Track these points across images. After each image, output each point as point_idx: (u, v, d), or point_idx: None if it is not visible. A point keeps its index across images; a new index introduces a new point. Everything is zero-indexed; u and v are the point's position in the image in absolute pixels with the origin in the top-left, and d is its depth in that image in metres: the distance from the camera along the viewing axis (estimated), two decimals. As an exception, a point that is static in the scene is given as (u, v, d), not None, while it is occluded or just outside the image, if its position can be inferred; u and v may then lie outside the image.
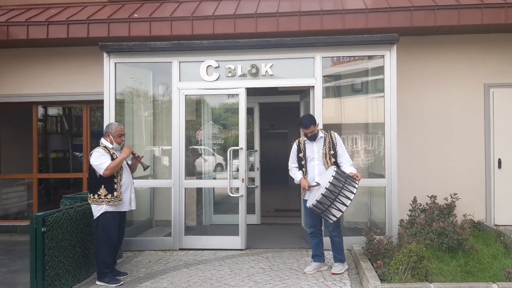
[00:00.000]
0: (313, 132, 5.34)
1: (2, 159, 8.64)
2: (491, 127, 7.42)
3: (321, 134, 5.42)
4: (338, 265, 5.39)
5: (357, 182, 5.03)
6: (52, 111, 10.83)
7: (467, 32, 7.36)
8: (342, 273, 5.29)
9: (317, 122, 5.43)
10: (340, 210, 4.94)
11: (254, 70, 6.51)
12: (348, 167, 5.22)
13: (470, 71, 7.48)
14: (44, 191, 9.61)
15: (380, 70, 6.63)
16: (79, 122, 10.66)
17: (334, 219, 5.04)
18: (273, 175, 12.81)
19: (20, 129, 9.03)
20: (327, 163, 5.29)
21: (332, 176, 4.91)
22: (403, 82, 7.16)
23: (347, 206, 4.92)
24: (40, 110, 9.73)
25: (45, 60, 8.11)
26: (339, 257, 5.41)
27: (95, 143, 8.27)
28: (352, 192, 4.93)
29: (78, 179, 9.12)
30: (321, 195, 4.89)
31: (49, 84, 8.09)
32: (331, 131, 5.40)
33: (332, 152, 5.30)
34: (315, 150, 5.37)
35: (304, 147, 5.44)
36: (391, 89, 6.32)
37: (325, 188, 4.88)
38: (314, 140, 5.39)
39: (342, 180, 4.93)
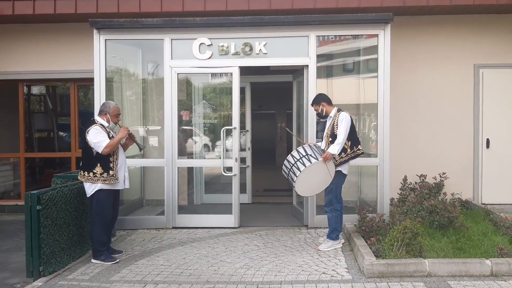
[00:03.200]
0: (316, 110, 5.57)
1: (-13, 138, 8.46)
2: (480, 108, 7.53)
3: (332, 114, 5.44)
4: (326, 242, 5.49)
5: (305, 165, 5.09)
6: (36, 90, 10.59)
7: (459, 13, 7.40)
8: (329, 250, 5.36)
9: (322, 103, 5.48)
10: (292, 183, 5.26)
11: (247, 49, 6.45)
12: (331, 146, 5.25)
13: (461, 52, 7.55)
14: (29, 171, 9.46)
15: (373, 50, 6.64)
16: (63, 101, 10.46)
17: (295, 188, 5.26)
18: (262, 155, 12.83)
19: (5, 108, 8.83)
20: (327, 143, 5.34)
21: (290, 153, 5.34)
22: (395, 62, 7.18)
23: (294, 180, 5.15)
24: (24, 88, 9.53)
25: (32, 37, 7.90)
26: (329, 234, 5.49)
27: (82, 122, 8.17)
28: (294, 174, 5.16)
29: (63, 158, 9.02)
30: (283, 165, 5.40)
31: (36, 61, 7.90)
32: (342, 112, 5.36)
33: (332, 132, 5.33)
34: (325, 129, 5.49)
35: (322, 124, 5.64)
36: (384, 69, 6.34)
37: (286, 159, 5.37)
38: (324, 119, 5.56)
39: (296, 158, 5.22)
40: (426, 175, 7.22)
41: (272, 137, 15.76)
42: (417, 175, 7.29)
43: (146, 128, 7.90)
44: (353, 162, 5.61)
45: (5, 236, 6.51)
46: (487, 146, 7.52)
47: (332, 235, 5.45)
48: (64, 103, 10.18)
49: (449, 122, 7.57)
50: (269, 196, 9.27)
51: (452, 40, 7.54)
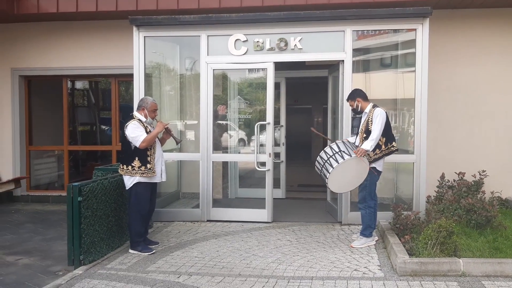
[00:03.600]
0: (351, 106, 5.56)
1: (33, 131, 8.86)
2: (523, 103, 7.27)
3: (367, 110, 5.41)
4: (359, 239, 5.46)
5: (338, 162, 5.10)
6: (80, 84, 10.99)
7: (501, 6, 7.15)
8: (363, 247, 5.34)
9: (357, 99, 5.44)
10: (325, 179, 5.27)
11: (282, 44, 6.47)
12: (365, 142, 5.20)
13: (502, 46, 7.30)
14: (72, 163, 9.86)
15: (410, 44, 6.52)
16: (105, 95, 10.82)
17: (328, 185, 5.28)
18: (297, 150, 12.82)
19: (50, 102, 9.22)
20: (362, 139, 5.31)
21: (324, 149, 5.36)
22: (433, 57, 7.01)
23: (327, 176, 5.18)
24: (68, 83, 9.90)
25: (75, 33, 8.21)
26: (362, 230, 5.47)
27: (123, 117, 8.42)
28: (327, 170, 5.18)
29: (105, 151, 9.33)
30: (316, 161, 5.43)
31: (78, 57, 8.22)
32: (377, 108, 5.31)
33: (366, 128, 5.29)
34: (360, 125, 5.48)
35: (358, 120, 5.62)
36: (422, 64, 6.22)
37: (319, 155, 5.41)
38: (359, 114, 5.57)
39: (329, 154, 5.24)
40: (465, 173, 7.05)
41: (308, 132, 15.68)
42: (455, 172, 7.12)
43: (184, 123, 8.06)
44: (388, 158, 5.56)
45: (49, 226, 6.83)
46: (530, 143, 7.25)
47: (366, 232, 5.43)
48: (106, 98, 10.53)
49: (489, 118, 7.35)
50: (303, 192, 9.28)
51: (494, 34, 7.30)
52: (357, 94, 5.48)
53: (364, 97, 5.46)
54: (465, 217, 5.70)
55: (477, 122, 7.37)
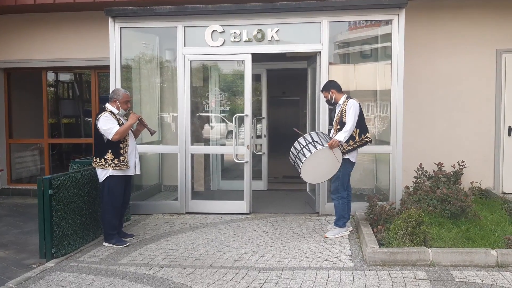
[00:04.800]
0: (326, 97, 5.54)
1: (13, 124, 8.80)
2: (502, 94, 7.31)
3: (340, 101, 5.40)
4: (333, 229, 5.49)
5: (310, 151, 5.10)
6: (64, 77, 10.90)
7: (481, -4, 7.16)
8: (336, 237, 5.36)
9: (331, 90, 5.43)
10: (298, 169, 5.28)
11: (259, 35, 6.44)
12: (338, 133, 5.21)
13: (482, 37, 7.31)
14: (57, 156, 9.81)
15: (388, 36, 6.50)
16: (89, 88, 10.74)
17: (301, 174, 5.27)
18: (284, 142, 12.81)
19: (30, 95, 9.15)
20: (336, 130, 5.32)
21: (297, 140, 5.32)
22: (413, 48, 7.04)
23: (300, 166, 5.18)
24: (52, 75, 9.85)
25: (54, 25, 8.14)
26: (335, 221, 5.49)
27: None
28: (300, 160, 5.18)
29: (89, 144, 9.27)
30: (290, 151, 5.42)
31: (58, 49, 8.15)
32: (350, 99, 5.30)
33: (340, 119, 5.29)
34: (334, 117, 5.48)
35: (333, 112, 5.61)
36: (398, 55, 6.21)
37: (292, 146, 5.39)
38: (333, 106, 5.56)
39: (302, 145, 5.23)
40: (443, 163, 7.09)
41: (296, 124, 15.66)
42: (434, 163, 7.16)
43: (163, 115, 8.02)
44: (365, 149, 5.57)
45: (28, 219, 6.80)
46: (509, 134, 7.30)
47: (339, 223, 5.45)
48: (90, 90, 10.45)
49: (469, 109, 7.37)
50: (286, 183, 9.28)
51: (472, 25, 7.31)
52: (331, 86, 5.48)
53: (338, 89, 5.45)
54: (439, 207, 5.73)
55: (457, 113, 7.39)
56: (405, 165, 6.50)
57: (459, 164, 7.15)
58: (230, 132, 8.13)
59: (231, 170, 8.70)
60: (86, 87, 11.02)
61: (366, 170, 7.51)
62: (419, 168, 7.04)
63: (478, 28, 7.30)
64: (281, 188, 8.73)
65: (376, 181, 7.58)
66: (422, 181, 6.87)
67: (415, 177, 6.98)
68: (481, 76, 7.35)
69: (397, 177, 6.28)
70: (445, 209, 5.62)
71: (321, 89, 5.68)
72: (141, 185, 7.59)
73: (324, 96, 5.57)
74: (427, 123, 7.42)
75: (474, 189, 7.04)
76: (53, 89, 10.61)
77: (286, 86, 14.04)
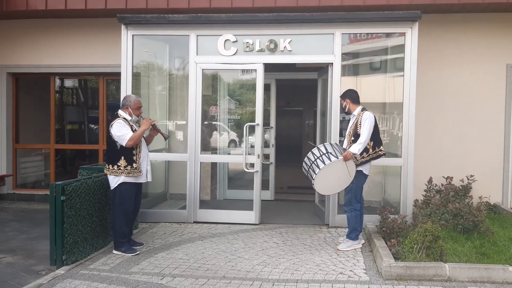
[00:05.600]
0: (342, 105, 5.60)
1: (20, 128, 8.75)
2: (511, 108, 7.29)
3: (355, 112, 5.38)
4: (345, 241, 5.43)
5: (324, 163, 5.08)
6: (69, 83, 10.87)
7: (491, 11, 7.19)
8: (348, 250, 5.31)
9: (346, 99, 5.44)
10: (311, 180, 5.26)
11: (272, 45, 6.43)
12: (352, 146, 5.18)
13: (492, 51, 7.33)
14: (60, 162, 9.75)
15: (399, 48, 6.52)
16: (94, 94, 10.71)
17: (314, 185, 5.27)
18: (288, 152, 12.79)
19: (37, 100, 9.12)
20: (349, 142, 5.29)
21: (311, 151, 5.33)
22: (423, 60, 7.02)
23: (313, 177, 5.16)
24: (57, 82, 9.80)
25: (64, 31, 8.13)
26: (348, 233, 5.44)
27: (111, 116, 8.33)
28: (313, 171, 5.17)
29: (93, 150, 9.24)
30: (303, 162, 5.41)
31: (67, 55, 8.13)
32: (366, 111, 5.29)
33: (355, 131, 5.27)
34: (348, 127, 5.47)
35: (346, 123, 5.64)
36: (411, 68, 6.22)
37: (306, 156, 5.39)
38: (349, 115, 5.57)
39: (316, 155, 5.23)
40: (453, 177, 7.05)
41: (299, 134, 15.68)
42: (443, 176, 7.13)
43: (173, 123, 8.00)
44: (376, 162, 5.53)
45: (34, 224, 6.74)
46: (518, 149, 7.28)
47: (352, 235, 5.40)
48: (95, 97, 10.42)
49: (479, 123, 7.37)
50: (292, 194, 9.24)
51: (483, 39, 7.33)
52: (347, 95, 5.46)
53: (354, 99, 5.43)
54: (452, 222, 5.70)
55: (466, 126, 7.38)
56: (413, 178, 6.46)
57: (468, 179, 7.12)
58: (239, 141, 8.11)
59: (236, 179, 8.65)
60: (92, 93, 10.99)
61: (374, 182, 7.47)
62: (429, 181, 7.01)
63: (488, 42, 7.33)
64: (288, 198, 8.69)
65: (384, 194, 7.55)
66: (431, 195, 6.83)
67: (425, 190, 6.95)
68: (491, 89, 7.36)
69: (408, 190, 6.25)
70: (458, 224, 5.58)
71: (340, 95, 5.69)
72: (147, 193, 7.53)
73: (341, 103, 5.63)
74: (435, 136, 7.41)
75: (482, 203, 7.00)
76: (58, 95, 10.57)
77: (290, 96, 14.07)
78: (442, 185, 7.06)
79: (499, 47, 7.32)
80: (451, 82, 7.38)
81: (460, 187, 6.99)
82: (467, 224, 5.52)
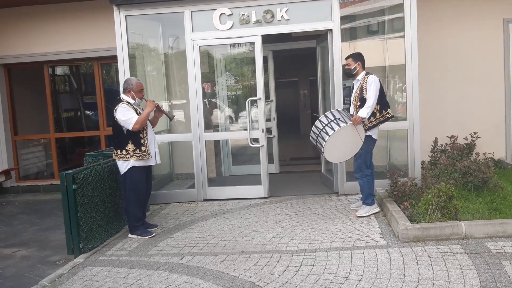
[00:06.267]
0: (348, 66, 5.38)
1: (17, 120, 8.64)
2: (511, 63, 7.27)
3: (359, 77, 5.32)
4: (362, 208, 5.45)
5: (334, 129, 5.03)
6: (62, 70, 10.70)
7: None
8: (368, 216, 5.34)
9: (358, 62, 5.32)
10: (321, 148, 5.20)
11: (269, 16, 6.32)
12: (360, 110, 5.14)
13: (489, 6, 7.28)
14: (59, 150, 9.67)
15: (398, 8, 6.42)
16: (87, 80, 10.55)
17: (324, 154, 5.23)
18: (287, 124, 12.76)
19: (32, 90, 8.98)
20: (356, 107, 5.25)
21: (318, 119, 5.27)
22: (421, 20, 6.90)
23: (323, 145, 5.08)
24: (50, 69, 9.63)
25: (53, 17, 7.95)
26: (364, 200, 5.46)
27: (108, 100, 8.24)
28: (323, 139, 5.11)
29: (92, 136, 9.17)
30: (311, 131, 5.35)
31: (59, 42, 7.98)
32: (370, 75, 5.22)
33: (360, 96, 5.22)
34: (352, 93, 5.37)
35: (351, 88, 5.49)
36: (411, 29, 6.14)
37: (314, 125, 5.33)
38: (351, 77, 5.44)
39: (324, 123, 5.16)
40: (457, 136, 7.08)
41: (296, 105, 15.63)
42: (447, 136, 7.16)
43: (171, 103, 7.92)
44: (382, 126, 5.51)
45: (43, 215, 6.72)
46: (520, 103, 7.30)
47: (368, 201, 5.41)
48: (89, 82, 10.27)
49: (479, 80, 7.36)
50: (296, 165, 9.27)
51: (480, -5, 7.24)
52: (360, 58, 5.37)
53: (364, 63, 5.37)
54: (461, 180, 5.74)
55: (467, 85, 7.37)
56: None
57: (471, 136, 7.15)
58: (241, 117, 8.05)
59: (239, 155, 8.64)
60: (86, 79, 10.83)
61: (378, 147, 7.38)
62: (435, 142, 7.03)
63: (486, -2, 7.24)
64: (293, 170, 8.71)
65: (390, 158, 7.57)
66: (438, 155, 6.86)
67: (431, 151, 6.98)
68: (489, 46, 7.31)
69: (415, 152, 6.26)
70: (467, 182, 5.63)
71: (347, 56, 5.46)
72: (153, 175, 7.49)
73: (347, 64, 5.39)
74: (437, 96, 7.39)
75: (488, 160, 7.04)
76: (53, 83, 10.40)
77: (284, 67, 13.95)
78: (446, 144, 7.10)
79: (495, 2, 7.23)
80: (449, 41, 7.32)
81: (465, 145, 7.03)
82: (477, 181, 5.56)
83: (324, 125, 5.14)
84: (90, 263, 4.54)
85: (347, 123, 5.04)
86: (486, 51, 7.31)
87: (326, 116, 5.22)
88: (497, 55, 7.32)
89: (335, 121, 5.09)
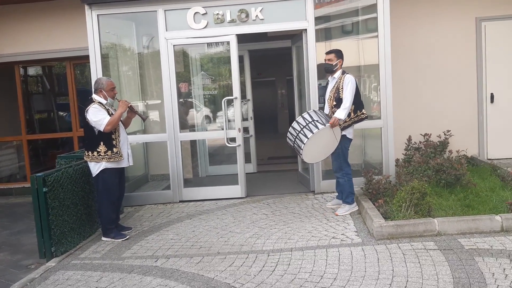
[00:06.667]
0: (329, 60, 5.33)
1: (-13, 122, 8.42)
2: (483, 62, 7.41)
3: (336, 75, 5.31)
4: (342, 206, 5.47)
5: (312, 132, 5.01)
6: (32, 71, 10.46)
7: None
8: (346, 214, 5.36)
9: (339, 59, 5.31)
10: (299, 150, 5.18)
11: (243, 15, 6.29)
12: (337, 111, 5.14)
13: (462, 5, 7.37)
14: (32, 152, 9.46)
15: (371, 9, 6.47)
16: (60, 80, 10.35)
17: (302, 156, 5.20)
18: (264, 123, 12.78)
19: (3, 91, 8.75)
20: (331, 106, 5.26)
21: (295, 120, 5.26)
22: (395, 19, 6.99)
23: (301, 147, 5.08)
24: (21, 70, 9.41)
25: (25, 17, 7.76)
26: (344, 199, 5.47)
27: (81, 101, 8.09)
28: (301, 141, 5.09)
29: (65, 138, 8.99)
30: (288, 132, 5.32)
31: (31, 42, 7.79)
32: (347, 75, 5.22)
33: (336, 95, 5.22)
34: (327, 91, 5.36)
35: (323, 89, 5.44)
36: (384, 29, 6.20)
37: (291, 126, 5.30)
38: (330, 73, 5.39)
39: (302, 125, 5.14)
40: (431, 134, 7.17)
41: (274, 105, 15.65)
42: (421, 134, 7.24)
43: (146, 103, 7.82)
44: (357, 125, 5.54)
45: (16, 219, 6.56)
46: (491, 101, 7.43)
47: (348, 200, 5.43)
48: (62, 83, 10.07)
49: (452, 78, 7.46)
50: (274, 164, 9.27)
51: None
52: (342, 56, 5.36)
53: (342, 62, 5.38)
54: (434, 177, 5.82)
55: (440, 82, 7.47)
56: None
57: (444, 134, 7.25)
58: (218, 116, 8.00)
59: (216, 154, 8.59)
60: (59, 79, 10.61)
61: (354, 145, 7.42)
62: (408, 140, 7.11)
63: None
64: (270, 169, 8.70)
65: (365, 156, 7.63)
66: (411, 153, 6.94)
67: (405, 149, 7.06)
68: (462, 44, 7.42)
69: (389, 150, 6.33)
70: (441, 179, 5.71)
71: (329, 51, 5.42)
72: (128, 177, 7.39)
73: (328, 60, 5.33)
74: (410, 94, 7.47)
75: (461, 157, 7.15)
76: (24, 84, 10.17)
77: (262, 67, 13.95)
78: (420, 142, 7.18)
79: (467, 2, 7.35)
80: (423, 40, 7.41)
81: (438, 143, 7.12)
82: (450, 178, 5.65)
83: (302, 127, 5.12)
84: (62, 267, 4.44)
85: (325, 125, 5.03)
86: (459, 50, 7.42)
87: (303, 117, 5.21)
88: (470, 54, 7.44)
89: (312, 123, 5.08)
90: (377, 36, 6.29)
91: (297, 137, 5.13)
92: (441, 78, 7.46)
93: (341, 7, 7.02)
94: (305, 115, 5.24)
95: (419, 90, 7.48)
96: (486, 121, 7.47)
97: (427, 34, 7.40)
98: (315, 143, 5.07)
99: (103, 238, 5.14)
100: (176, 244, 4.84)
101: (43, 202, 4.49)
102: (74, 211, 5.00)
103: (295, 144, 5.23)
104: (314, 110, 5.36)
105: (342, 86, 5.16)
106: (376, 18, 6.27)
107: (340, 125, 5.20)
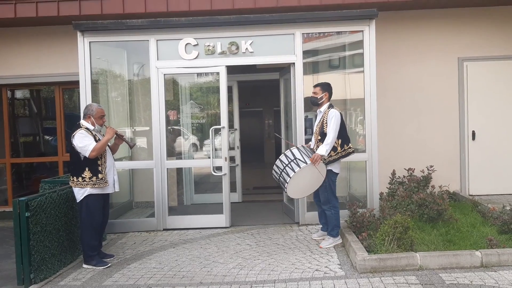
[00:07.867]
0: (315, 94, 5.44)
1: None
2: (465, 100, 7.63)
3: (322, 109, 5.40)
4: (327, 239, 5.48)
5: (294, 171, 5.08)
6: (20, 94, 10.44)
7: (443, 7, 7.49)
8: (330, 247, 5.37)
9: (325, 92, 5.40)
10: (283, 187, 5.29)
11: (234, 48, 6.42)
12: (320, 147, 5.20)
13: (444, 45, 7.64)
14: (15, 176, 9.34)
15: (358, 45, 6.66)
16: (48, 104, 10.33)
17: (287, 193, 5.33)
18: (251, 153, 12.83)
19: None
20: (317, 140, 5.34)
21: (279, 158, 5.35)
22: (380, 56, 7.21)
23: (285, 186, 5.18)
24: (9, 93, 9.39)
25: (15, 41, 7.82)
26: (329, 231, 5.48)
27: (68, 126, 8.08)
28: (284, 180, 5.19)
29: (51, 163, 8.91)
30: (273, 169, 5.43)
31: (20, 66, 7.84)
32: (332, 109, 5.28)
33: (321, 130, 5.31)
34: (314, 125, 5.48)
35: (309, 121, 5.52)
36: (370, 65, 6.37)
37: (275, 164, 5.40)
38: (316, 106, 5.50)
39: (284, 163, 5.24)
40: (414, 169, 7.29)
41: (260, 135, 15.78)
42: (404, 168, 7.36)
43: (134, 130, 7.84)
44: (345, 159, 5.60)
45: (-6, 244, 6.43)
46: (473, 138, 7.62)
47: (333, 232, 5.43)
48: (49, 107, 10.04)
49: (435, 116, 7.66)
50: (259, 194, 9.28)
51: (436, 34, 7.63)
52: (328, 88, 5.45)
53: (330, 96, 5.47)
54: (417, 212, 5.89)
55: (423, 118, 7.66)
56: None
57: (428, 169, 7.37)
58: (204, 145, 8.04)
59: (202, 183, 8.59)
60: (46, 103, 10.59)
61: (339, 178, 7.52)
62: (393, 174, 7.22)
63: (441, 37, 7.63)
64: (255, 199, 8.70)
65: (350, 189, 7.70)
66: (395, 187, 7.03)
67: (389, 183, 7.15)
68: (445, 83, 7.66)
69: (374, 184, 6.39)
70: (423, 213, 5.78)
71: (316, 84, 5.52)
72: (112, 203, 7.33)
73: (314, 93, 5.43)
74: (395, 129, 7.63)
75: (443, 192, 7.27)
76: (13, 106, 10.13)
77: (250, 97, 14.11)
78: (404, 176, 7.29)
79: (451, 42, 7.63)
80: (407, 76, 7.63)
81: (421, 178, 7.23)
82: (432, 213, 5.72)
83: (284, 165, 5.20)
84: (40, 294, 4.35)
85: (306, 163, 5.10)
86: (442, 88, 7.65)
87: (285, 155, 5.28)
88: (452, 92, 7.67)
89: (295, 161, 5.15)
90: (363, 71, 6.45)
91: (281, 175, 5.21)
92: (424, 115, 7.65)
93: (329, 42, 7.22)
94: (288, 153, 5.30)
95: (403, 125, 7.65)
96: (468, 158, 7.63)
97: (412, 71, 7.63)
98: (299, 181, 5.13)
99: (84, 265, 5.07)
100: (158, 273, 4.79)
101: (24, 227, 4.43)
102: (56, 237, 4.93)
103: (280, 182, 5.33)
104: (297, 147, 5.39)
105: (327, 121, 5.25)
106: (362, 54, 6.45)
107: (325, 159, 5.26)
